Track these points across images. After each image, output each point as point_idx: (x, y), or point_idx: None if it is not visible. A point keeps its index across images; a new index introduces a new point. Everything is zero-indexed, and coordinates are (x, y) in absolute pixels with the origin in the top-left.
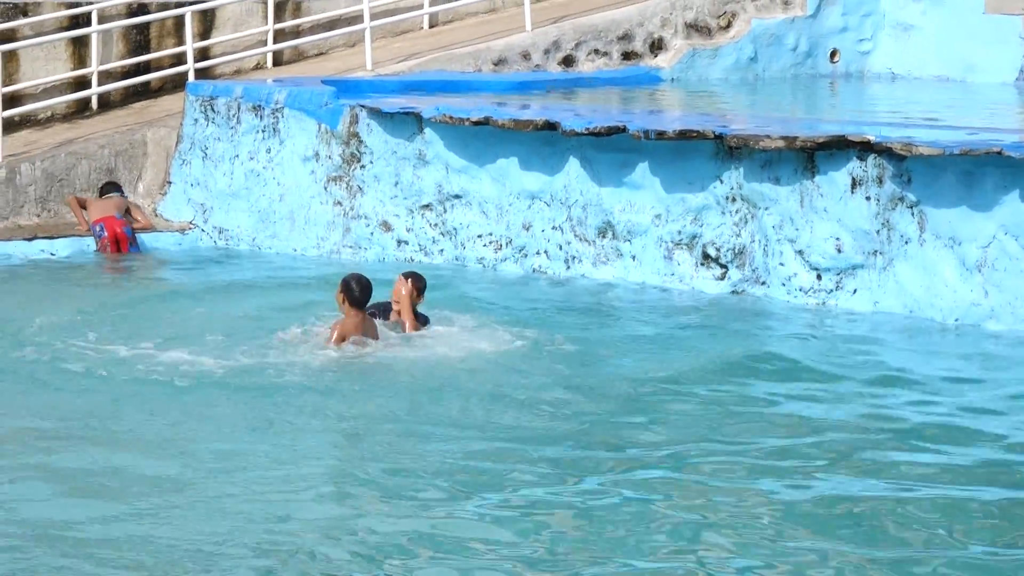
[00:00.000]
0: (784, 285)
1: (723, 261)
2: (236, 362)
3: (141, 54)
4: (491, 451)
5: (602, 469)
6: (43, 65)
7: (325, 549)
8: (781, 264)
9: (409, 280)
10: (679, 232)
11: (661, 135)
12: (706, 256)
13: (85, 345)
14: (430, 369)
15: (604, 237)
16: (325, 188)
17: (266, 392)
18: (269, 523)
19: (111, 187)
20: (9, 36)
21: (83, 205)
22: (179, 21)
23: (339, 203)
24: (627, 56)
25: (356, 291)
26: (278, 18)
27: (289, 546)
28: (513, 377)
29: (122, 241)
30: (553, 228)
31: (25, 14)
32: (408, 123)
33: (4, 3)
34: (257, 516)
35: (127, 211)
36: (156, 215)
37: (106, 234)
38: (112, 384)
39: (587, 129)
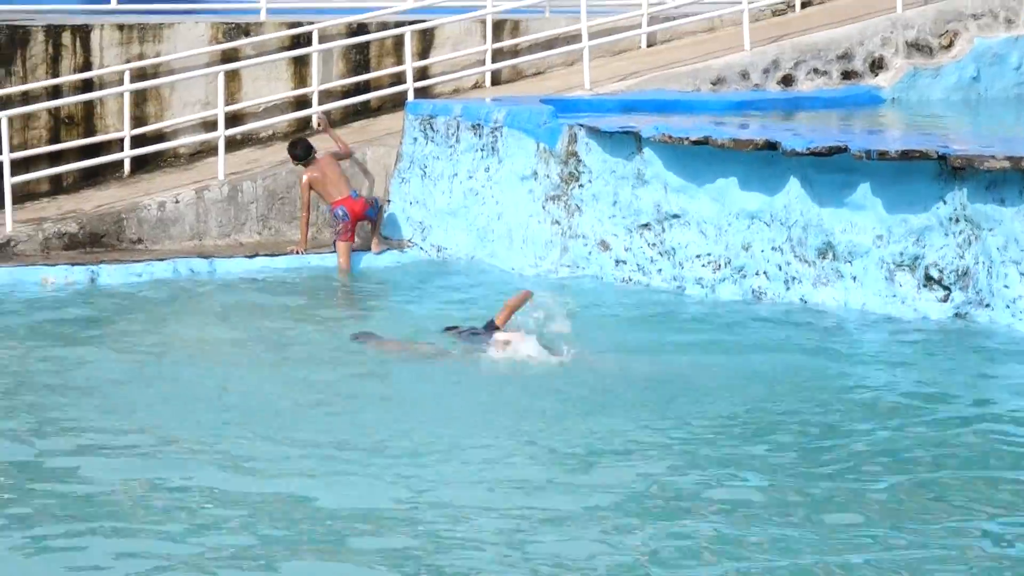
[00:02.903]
0: (1009, 308)
1: (946, 283)
2: None
3: (361, 73)
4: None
5: (839, 501)
6: (264, 84)
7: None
8: (1006, 287)
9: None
10: (901, 253)
11: (883, 155)
12: (928, 278)
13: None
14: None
15: (824, 258)
16: (543, 207)
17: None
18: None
19: (300, 148)
20: (232, 56)
21: (313, 186)
22: (398, 41)
23: (557, 222)
24: (847, 75)
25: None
26: (496, 38)
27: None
28: (737, 400)
29: (367, 220)
30: (773, 248)
31: (247, 34)
32: (627, 142)
33: (227, 24)
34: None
35: (336, 156)
36: (376, 237)
37: (349, 219)
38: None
39: (808, 149)
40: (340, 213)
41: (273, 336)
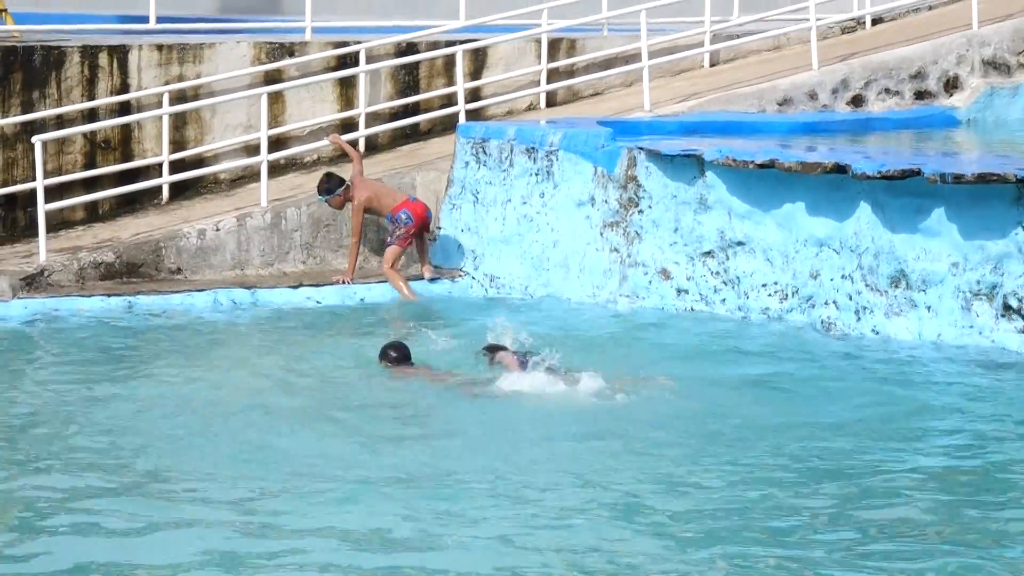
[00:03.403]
0: None
1: None
2: None
3: (410, 95)
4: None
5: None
6: (309, 107)
7: None
8: None
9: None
10: (978, 282)
11: (959, 179)
12: (1007, 307)
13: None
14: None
15: (897, 287)
16: (601, 234)
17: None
18: None
19: (334, 180)
20: (275, 77)
21: (368, 207)
22: (449, 61)
23: (616, 250)
24: (920, 95)
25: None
26: (551, 57)
27: None
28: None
29: (425, 227)
30: (842, 277)
31: (291, 54)
32: (689, 166)
33: (271, 43)
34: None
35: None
36: (426, 262)
37: (413, 221)
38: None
39: (879, 172)
40: (404, 216)
41: (316, 370)
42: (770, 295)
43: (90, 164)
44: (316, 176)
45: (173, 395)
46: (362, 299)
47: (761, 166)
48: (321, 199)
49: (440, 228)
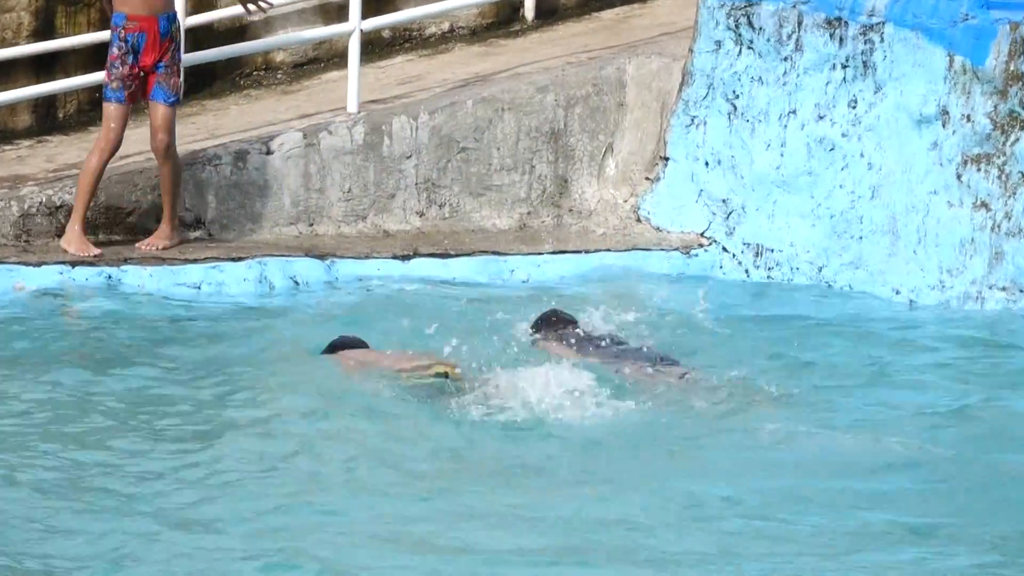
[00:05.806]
0: None
1: None
2: None
3: None
4: None
5: None
6: None
7: None
8: None
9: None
10: None
11: None
12: None
13: None
14: None
15: None
16: (958, 177)
17: None
18: None
19: None
20: None
21: None
22: None
23: (984, 205)
24: None
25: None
26: None
27: None
28: None
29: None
30: None
31: None
32: None
33: None
34: None
35: None
36: (639, 219)
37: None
38: None
39: None
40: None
41: (416, 417)
42: None
43: (45, 31)
44: (446, 60)
45: (177, 446)
46: (525, 279)
47: None
48: None
49: (667, 158)
